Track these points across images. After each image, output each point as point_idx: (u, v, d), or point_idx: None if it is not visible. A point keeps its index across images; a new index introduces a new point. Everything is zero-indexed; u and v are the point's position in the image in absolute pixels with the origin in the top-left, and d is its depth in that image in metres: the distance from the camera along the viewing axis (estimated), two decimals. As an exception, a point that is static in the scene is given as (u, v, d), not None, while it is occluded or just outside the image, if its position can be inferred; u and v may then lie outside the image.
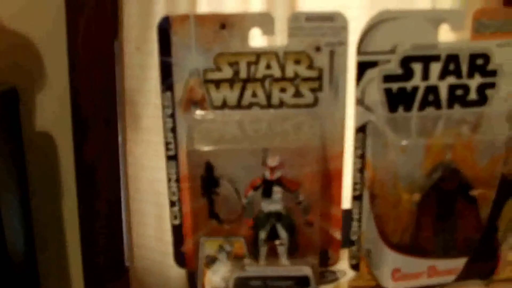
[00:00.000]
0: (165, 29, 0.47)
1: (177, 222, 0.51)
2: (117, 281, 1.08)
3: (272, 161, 0.47)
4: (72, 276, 1.08)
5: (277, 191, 0.47)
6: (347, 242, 0.53)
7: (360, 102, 0.49)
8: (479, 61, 0.50)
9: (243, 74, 0.48)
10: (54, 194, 1.04)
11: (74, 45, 0.97)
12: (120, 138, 1.02)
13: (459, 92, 0.51)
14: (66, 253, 1.07)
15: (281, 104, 0.49)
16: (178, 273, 1.01)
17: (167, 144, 0.49)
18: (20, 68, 0.97)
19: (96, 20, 0.98)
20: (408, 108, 0.50)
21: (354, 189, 0.51)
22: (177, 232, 0.52)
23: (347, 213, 0.53)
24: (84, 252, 1.05)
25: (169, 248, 1.01)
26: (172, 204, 0.51)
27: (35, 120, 1.00)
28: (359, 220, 0.52)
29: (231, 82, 0.48)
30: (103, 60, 0.99)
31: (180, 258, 0.53)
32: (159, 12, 0.94)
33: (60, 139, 1.02)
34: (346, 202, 0.52)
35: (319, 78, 0.49)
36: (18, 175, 0.94)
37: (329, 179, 0.50)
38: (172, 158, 0.50)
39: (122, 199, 1.05)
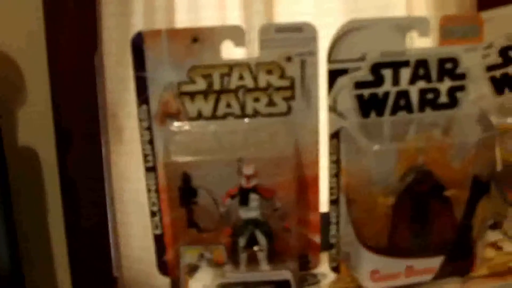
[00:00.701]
0: (138, 45, 0.48)
1: (158, 232, 0.52)
2: (106, 293, 1.08)
3: (248, 170, 0.48)
4: (60, 289, 1.09)
5: (253, 198, 0.48)
6: (326, 245, 0.54)
7: (332, 109, 0.51)
8: (448, 65, 0.52)
9: (216, 85, 0.49)
10: (39, 208, 1.04)
11: (54, 59, 0.98)
12: (103, 150, 1.03)
13: (429, 95, 0.52)
14: (53, 266, 1.07)
15: (256, 113, 0.50)
16: (165, 283, 1.02)
17: (145, 156, 0.50)
18: (0, 84, 0.98)
19: (75, 34, 0.99)
20: (380, 113, 0.51)
21: (331, 194, 0.52)
22: (159, 241, 0.53)
23: (325, 216, 0.54)
24: (72, 264, 1.06)
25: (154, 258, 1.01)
26: (153, 214, 0.52)
27: (17, 134, 1.00)
28: (337, 224, 0.53)
29: (205, 94, 0.49)
30: (84, 73, 1.00)
31: (163, 267, 0.54)
32: (137, 24, 0.95)
33: (43, 153, 1.02)
34: (324, 207, 0.53)
35: (291, 87, 0.50)
36: (1, 190, 0.94)
37: (305, 186, 0.51)
38: (150, 169, 0.51)
39: (108, 211, 1.06)
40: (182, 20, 0.96)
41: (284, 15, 1.00)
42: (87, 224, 1.05)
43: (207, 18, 0.97)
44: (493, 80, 0.57)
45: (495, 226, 0.60)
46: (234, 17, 0.98)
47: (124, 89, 0.97)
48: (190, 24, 0.95)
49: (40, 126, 1.00)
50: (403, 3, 1.00)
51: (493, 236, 0.59)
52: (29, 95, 0.99)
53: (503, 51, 0.57)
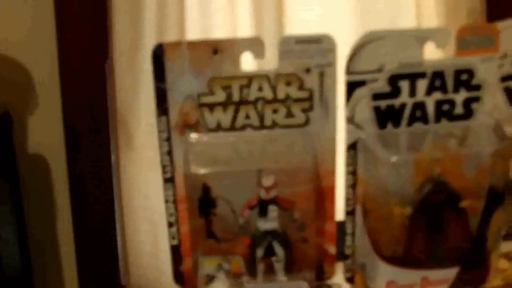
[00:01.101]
0: (158, 56, 0.49)
1: (175, 242, 0.53)
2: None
3: (267, 181, 0.48)
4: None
5: (272, 210, 0.49)
6: (341, 256, 0.54)
7: (350, 120, 0.51)
8: (464, 76, 0.52)
9: (236, 97, 0.50)
10: (48, 214, 1.04)
11: (65, 66, 0.98)
12: (113, 157, 1.03)
13: (445, 107, 0.52)
14: (61, 272, 1.08)
15: (274, 125, 0.51)
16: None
17: (163, 167, 0.51)
18: (12, 91, 0.98)
19: (86, 41, 0.99)
20: (396, 124, 0.52)
21: (347, 205, 0.53)
22: (176, 252, 0.53)
23: (341, 226, 0.54)
24: (80, 272, 1.06)
25: (165, 266, 1.02)
26: (170, 225, 0.52)
27: (28, 142, 1.01)
28: (353, 235, 0.53)
29: (224, 105, 0.50)
30: (95, 80, 1.00)
31: (179, 277, 0.54)
32: (149, 32, 0.96)
33: (53, 160, 1.02)
34: (340, 217, 0.54)
35: (310, 98, 0.50)
36: (13, 195, 0.95)
37: (322, 196, 0.52)
38: (168, 180, 0.51)
39: (116, 218, 1.06)
40: (193, 27, 0.97)
41: (293, 22, 1.00)
42: (96, 231, 1.05)
43: (218, 24, 0.97)
44: (507, 90, 0.58)
45: (509, 237, 0.61)
46: (243, 27, 0.98)
47: (135, 96, 0.97)
48: (201, 31, 0.95)
49: (50, 132, 1.01)
50: (413, 12, 1.00)
51: (506, 246, 0.60)
52: (39, 100, 1.00)
53: (517, 62, 0.57)
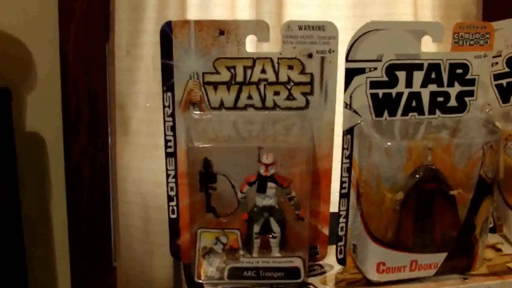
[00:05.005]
0: (167, 34, 0.50)
1: (174, 216, 0.54)
2: (104, 281, 1.10)
3: (267, 159, 0.50)
4: (60, 275, 1.10)
5: (271, 186, 0.50)
6: (334, 237, 0.56)
7: (348, 106, 0.53)
8: (459, 71, 0.54)
9: (239, 77, 0.51)
10: (43, 194, 1.05)
11: (66, 47, 0.99)
12: (109, 140, 1.04)
13: (440, 99, 0.54)
14: (54, 252, 1.08)
15: (275, 106, 0.52)
16: (163, 274, 1.03)
17: (166, 142, 0.52)
18: (12, 69, 0.99)
19: (88, 23, 1.00)
20: (392, 113, 0.54)
21: (342, 188, 0.54)
22: (174, 225, 0.54)
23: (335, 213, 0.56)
24: (72, 251, 1.07)
25: (155, 249, 1.03)
26: (170, 199, 0.54)
27: (26, 120, 1.01)
28: (346, 217, 0.55)
29: (228, 84, 0.51)
30: (94, 62, 1.01)
31: (175, 251, 0.55)
32: (149, 17, 0.97)
33: (50, 139, 1.03)
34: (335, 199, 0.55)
35: (311, 83, 0.52)
36: (9, 174, 0.95)
37: (318, 178, 0.53)
38: (171, 155, 0.52)
39: (110, 201, 1.07)
40: (193, 16, 0.98)
41: (293, 17, 1.02)
42: (90, 212, 1.06)
43: (218, 16, 0.98)
44: (499, 88, 0.60)
45: (495, 229, 0.63)
46: (242, 16, 0.99)
47: (133, 80, 0.98)
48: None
49: (48, 113, 1.02)
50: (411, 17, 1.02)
51: (493, 239, 0.62)
52: (39, 82, 1.01)
53: (510, 61, 0.59)
